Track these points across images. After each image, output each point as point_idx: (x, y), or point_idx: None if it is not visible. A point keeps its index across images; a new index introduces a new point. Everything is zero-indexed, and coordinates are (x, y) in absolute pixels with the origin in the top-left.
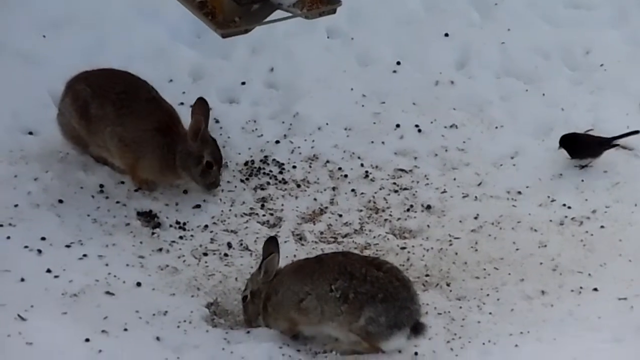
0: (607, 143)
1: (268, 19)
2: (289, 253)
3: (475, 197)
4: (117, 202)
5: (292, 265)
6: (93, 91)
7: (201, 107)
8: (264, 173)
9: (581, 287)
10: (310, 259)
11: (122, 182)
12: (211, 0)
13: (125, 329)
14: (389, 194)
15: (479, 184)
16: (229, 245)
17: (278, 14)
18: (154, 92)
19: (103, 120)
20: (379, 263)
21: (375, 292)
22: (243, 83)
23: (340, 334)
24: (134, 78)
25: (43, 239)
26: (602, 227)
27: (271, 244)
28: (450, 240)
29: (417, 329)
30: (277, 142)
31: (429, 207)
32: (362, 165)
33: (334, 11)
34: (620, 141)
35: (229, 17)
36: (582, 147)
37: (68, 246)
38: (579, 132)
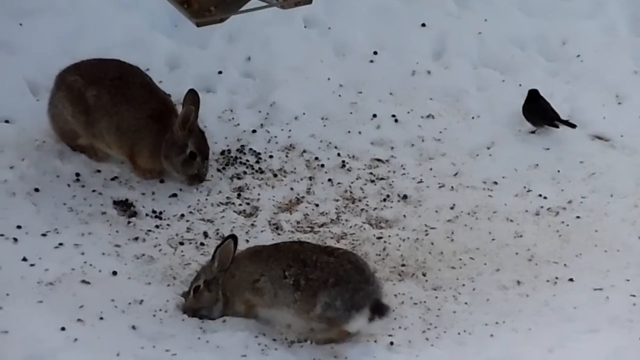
0: (549, 119)
1: (244, 8)
2: (266, 242)
3: (452, 187)
4: (93, 191)
5: (248, 250)
6: (86, 81)
7: (191, 98)
8: (241, 162)
9: (557, 278)
10: (267, 245)
11: (99, 171)
12: None
13: (101, 318)
14: (365, 184)
15: (455, 174)
16: (205, 234)
17: (254, 3)
18: (148, 78)
19: (99, 111)
20: (332, 250)
21: (326, 277)
22: (220, 72)
23: (300, 321)
24: (125, 64)
25: (19, 227)
26: (577, 217)
27: (229, 240)
28: (426, 230)
29: (379, 309)
30: (254, 131)
31: (405, 197)
32: (338, 155)
33: (310, 1)
34: (593, 131)
35: (204, 6)
36: (532, 110)
37: (44, 235)
38: (544, 99)
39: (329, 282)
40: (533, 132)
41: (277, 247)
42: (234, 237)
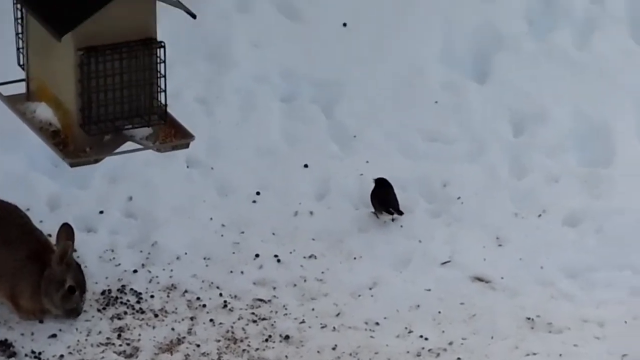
0: (385, 206)
1: (119, 150)
2: None
3: (334, 327)
4: None
5: None
6: None
7: (66, 232)
8: (122, 302)
9: None
10: None
11: None
12: (64, 130)
13: None
14: (247, 324)
15: (338, 315)
16: None
17: (130, 145)
18: (26, 218)
19: None
20: None
21: None
22: (101, 212)
23: None
24: (3, 203)
25: None
26: (458, 359)
27: None
28: None
29: None
30: (135, 271)
31: (287, 337)
32: (220, 295)
33: (187, 145)
34: (474, 273)
35: (80, 147)
36: (376, 196)
37: None
38: (390, 189)
39: None
40: (375, 214)
41: None
42: None
